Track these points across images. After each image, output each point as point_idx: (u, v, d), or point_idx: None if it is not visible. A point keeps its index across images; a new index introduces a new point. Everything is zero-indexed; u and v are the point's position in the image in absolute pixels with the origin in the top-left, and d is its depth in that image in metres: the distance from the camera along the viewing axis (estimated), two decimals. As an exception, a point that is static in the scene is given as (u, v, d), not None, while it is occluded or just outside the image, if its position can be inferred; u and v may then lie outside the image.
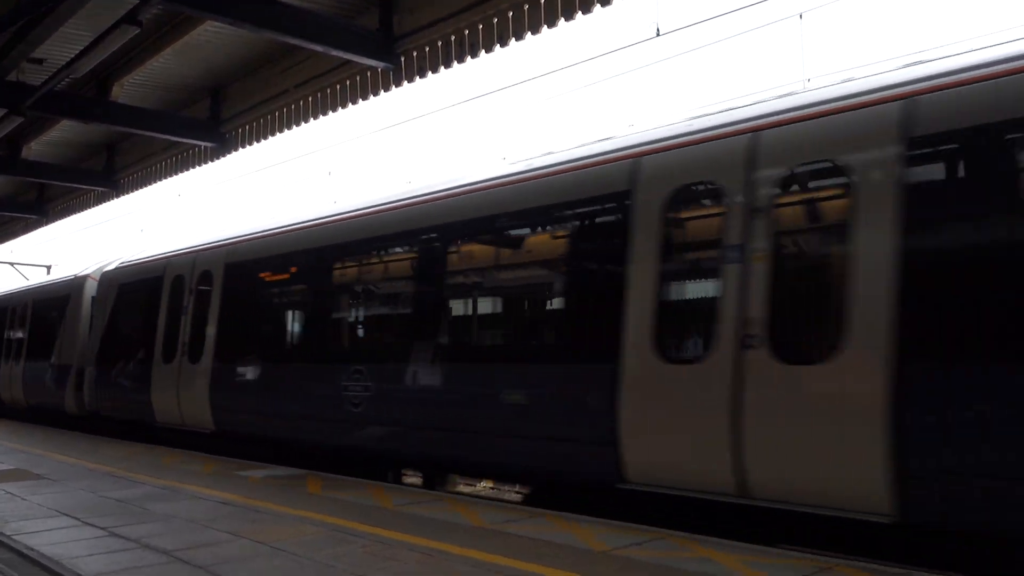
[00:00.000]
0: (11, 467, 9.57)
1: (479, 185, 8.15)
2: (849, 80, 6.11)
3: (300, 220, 10.67)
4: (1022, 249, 4.72)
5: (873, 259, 5.19)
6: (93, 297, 15.61)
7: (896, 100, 5.38)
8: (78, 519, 6.37)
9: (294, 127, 12.24)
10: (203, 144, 13.69)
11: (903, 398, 4.91)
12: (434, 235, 8.40)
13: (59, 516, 6.51)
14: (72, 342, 15.79)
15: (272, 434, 10.30)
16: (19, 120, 12.58)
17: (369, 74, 10.74)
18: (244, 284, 11.13)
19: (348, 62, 10.56)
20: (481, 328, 8.21)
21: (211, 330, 11.42)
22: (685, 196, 6.39)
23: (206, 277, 11.80)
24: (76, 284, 16.31)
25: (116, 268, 14.92)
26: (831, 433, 5.20)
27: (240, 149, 13.33)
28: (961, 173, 5.18)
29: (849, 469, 5.12)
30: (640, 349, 6.26)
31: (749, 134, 6.07)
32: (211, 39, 11.20)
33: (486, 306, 8.26)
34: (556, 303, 7.59)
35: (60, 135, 15.05)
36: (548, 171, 7.52)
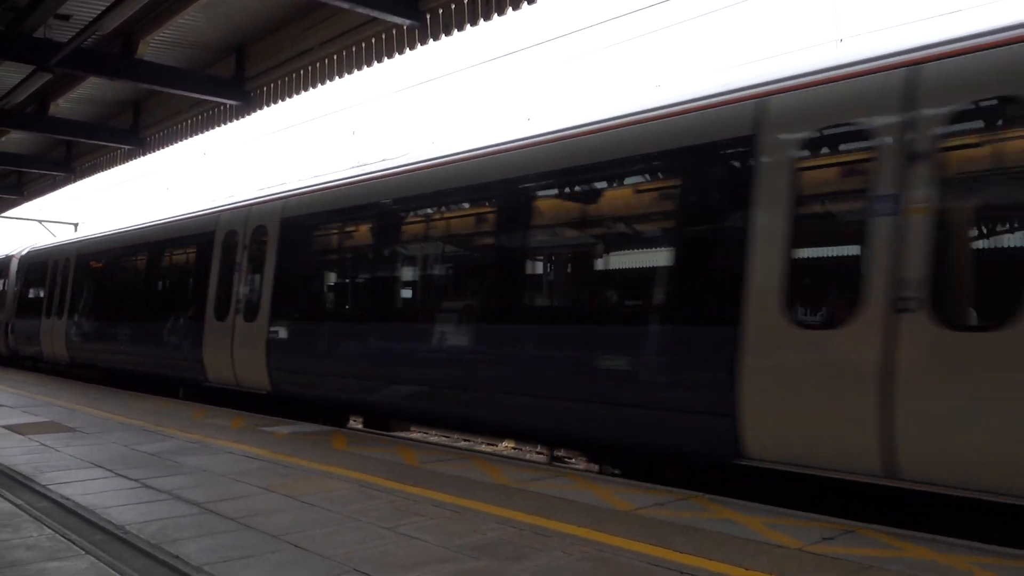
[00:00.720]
0: (45, 419, 9.80)
1: (172, 219, 14.55)
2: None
3: (114, 228, 17.06)
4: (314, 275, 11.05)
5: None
6: (16, 271, 21.97)
7: (276, 202, 11.42)
8: (111, 471, 6.54)
9: (319, 85, 12.16)
10: (228, 102, 13.65)
11: (270, 336, 10.74)
12: (149, 249, 15.02)
13: (92, 468, 6.67)
14: (3, 303, 22.37)
15: (98, 363, 16.55)
16: (46, 77, 12.62)
17: (395, 31, 10.61)
18: (86, 269, 17.73)
19: (373, 19, 10.44)
20: (165, 304, 14.42)
21: (69, 297, 18.08)
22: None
23: (67, 263, 18.58)
24: (6, 261, 22.87)
25: (28, 252, 21.76)
26: (253, 355, 11.00)
27: (264, 107, 13.28)
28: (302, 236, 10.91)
29: (257, 370, 10.91)
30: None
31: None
32: (236, -5, 11.10)
33: (170, 291, 14.60)
34: (204, 288, 12.70)
35: (87, 92, 15.07)
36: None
